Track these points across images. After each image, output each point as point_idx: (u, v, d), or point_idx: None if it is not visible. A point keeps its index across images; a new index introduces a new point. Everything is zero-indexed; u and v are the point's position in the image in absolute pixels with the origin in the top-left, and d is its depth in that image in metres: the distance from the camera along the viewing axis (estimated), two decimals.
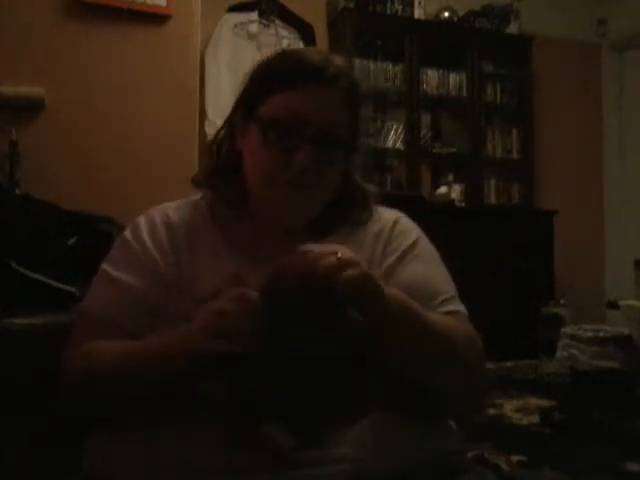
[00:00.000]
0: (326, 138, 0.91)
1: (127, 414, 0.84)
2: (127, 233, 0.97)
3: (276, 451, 0.76)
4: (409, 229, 1.02)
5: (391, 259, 0.96)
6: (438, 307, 0.92)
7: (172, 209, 1.00)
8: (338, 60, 0.95)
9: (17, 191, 1.99)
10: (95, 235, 1.58)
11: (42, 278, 1.40)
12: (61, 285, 1.39)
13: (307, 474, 0.77)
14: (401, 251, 0.97)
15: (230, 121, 1.01)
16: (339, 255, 0.72)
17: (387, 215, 1.04)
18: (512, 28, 4.59)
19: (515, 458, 1.81)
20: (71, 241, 1.56)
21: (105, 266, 0.95)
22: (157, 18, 2.35)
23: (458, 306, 0.95)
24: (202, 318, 0.76)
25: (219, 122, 3.65)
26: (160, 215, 0.99)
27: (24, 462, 1.04)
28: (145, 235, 0.95)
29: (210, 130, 3.62)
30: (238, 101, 0.99)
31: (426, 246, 1.01)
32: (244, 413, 0.78)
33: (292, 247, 0.94)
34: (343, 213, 1.00)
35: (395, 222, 1.02)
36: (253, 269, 0.89)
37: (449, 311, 0.93)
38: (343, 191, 0.99)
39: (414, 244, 0.99)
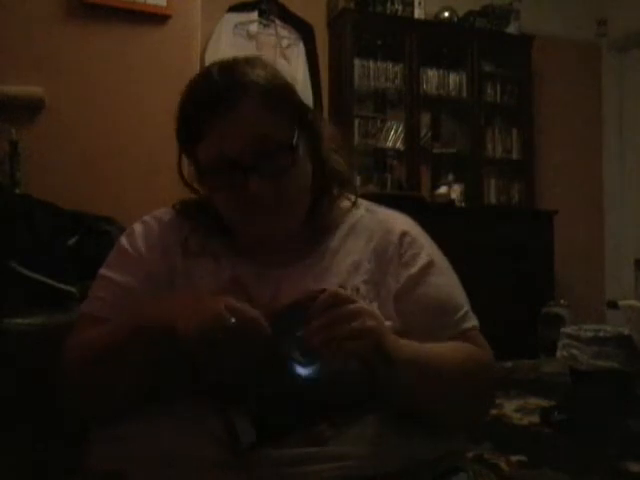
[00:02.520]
0: (264, 155, 0.86)
1: (126, 400, 0.85)
2: (122, 239, 0.98)
3: (231, 439, 0.77)
4: (421, 236, 1.01)
5: (413, 270, 0.95)
6: (459, 323, 0.94)
7: (167, 214, 1.01)
8: (243, 66, 0.90)
9: (17, 191, 1.98)
10: (95, 235, 1.58)
11: (42, 278, 1.40)
12: (61, 285, 1.39)
13: (307, 471, 0.77)
14: (423, 263, 0.96)
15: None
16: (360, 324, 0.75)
17: (390, 216, 1.03)
18: (512, 28, 4.58)
19: (515, 458, 1.81)
20: (71, 241, 1.57)
21: (102, 271, 0.96)
22: (157, 18, 2.35)
23: (473, 320, 0.96)
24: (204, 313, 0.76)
25: None
26: (155, 220, 1.00)
27: (24, 462, 1.04)
28: (139, 240, 0.96)
29: None
30: (183, 144, 0.97)
31: (442, 256, 1.01)
32: (212, 394, 0.80)
33: (289, 249, 0.94)
34: (330, 208, 0.98)
35: (404, 232, 0.99)
36: (252, 272, 0.90)
37: (467, 328, 0.94)
38: (322, 180, 0.96)
39: (433, 256, 0.98)
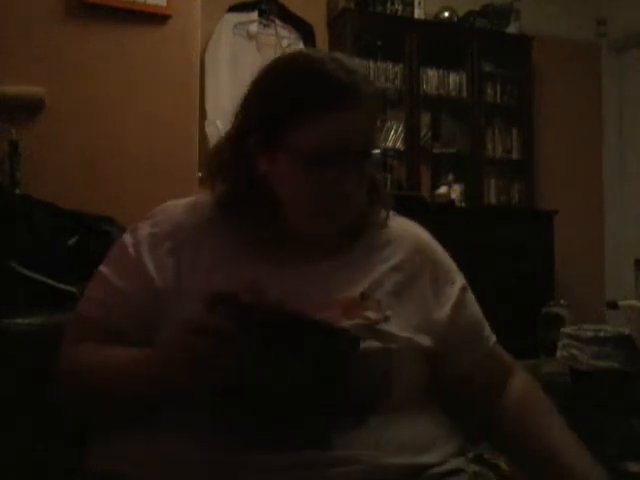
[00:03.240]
0: (364, 158, 0.89)
1: (118, 415, 0.85)
2: (126, 236, 0.96)
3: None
4: (441, 249, 1.04)
5: (453, 293, 0.98)
6: (489, 339, 1.02)
7: (181, 208, 0.98)
8: (357, 68, 0.90)
9: (17, 191, 1.98)
10: (95, 235, 1.58)
11: (42, 278, 1.40)
12: (61, 285, 1.39)
13: (312, 476, 0.76)
14: (459, 286, 1.00)
15: (242, 142, 0.91)
16: None
17: (410, 227, 1.04)
18: (512, 28, 4.58)
19: None
20: (71, 241, 1.56)
21: (101, 267, 0.95)
22: (157, 18, 2.34)
23: (493, 334, 1.04)
24: (173, 350, 0.76)
25: (219, 122, 3.65)
26: (165, 215, 0.97)
27: (24, 462, 1.04)
28: (142, 240, 0.93)
29: (210, 130, 3.61)
30: (253, 123, 0.90)
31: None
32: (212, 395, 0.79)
33: (312, 248, 0.93)
34: (367, 216, 0.98)
35: (428, 246, 1.02)
36: (270, 270, 0.88)
37: (494, 342, 1.02)
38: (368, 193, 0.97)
39: (458, 272, 1.02)
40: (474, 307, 1.02)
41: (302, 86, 0.87)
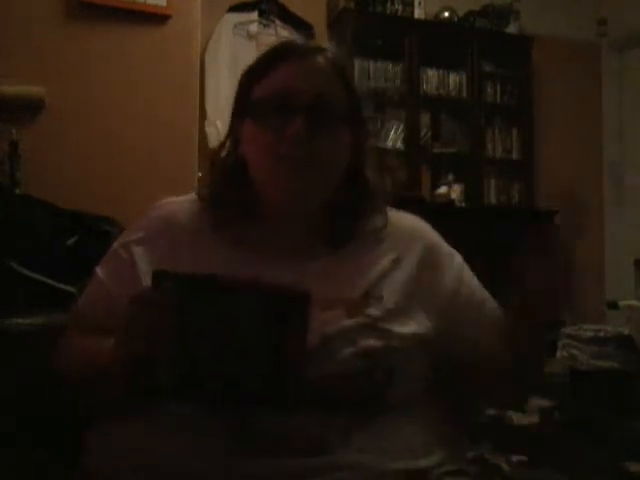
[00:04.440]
0: (314, 106, 0.89)
1: (112, 401, 0.85)
2: (120, 239, 0.98)
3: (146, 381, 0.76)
4: (439, 237, 1.04)
5: (453, 270, 0.99)
6: (492, 313, 1.01)
7: (178, 205, 0.99)
8: (317, 43, 0.98)
9: (17, 191, 1.98)
10: (95, 235, 1.57)
11: (42, 278, 1.40)
12: (61, 285, 1.39)
13: None
14: (457, 264, 1.01)
15: (231, 131, 0.99)
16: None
17: (409, 221, 1.04)
18: (512, 28, 4.58)
19: (515, 458, 1.80)
20: (71, 241, 1.56)
21: (97, 267, 0.98)
22: (157, 18, 2.34)
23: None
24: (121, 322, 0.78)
25: (219, 122, 3.65)
26: (162, 212, 0.98)
27: (24, 463, 1.04)
28: (136, 240, 0.95)
29: (210, 130, 3.61)
30: (233, 108, 0.99)
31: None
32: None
33: (305, 246, 0.93)
34: (358, 219, 0.97)
35: (429, 239, 1.02)
36: (263, 271, 0.87)
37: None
38: (357, 189, 0.97)
39: (458, 257, 1.03)
40: (474, 284, 1.02)
41: (256, 61, 0.96)
